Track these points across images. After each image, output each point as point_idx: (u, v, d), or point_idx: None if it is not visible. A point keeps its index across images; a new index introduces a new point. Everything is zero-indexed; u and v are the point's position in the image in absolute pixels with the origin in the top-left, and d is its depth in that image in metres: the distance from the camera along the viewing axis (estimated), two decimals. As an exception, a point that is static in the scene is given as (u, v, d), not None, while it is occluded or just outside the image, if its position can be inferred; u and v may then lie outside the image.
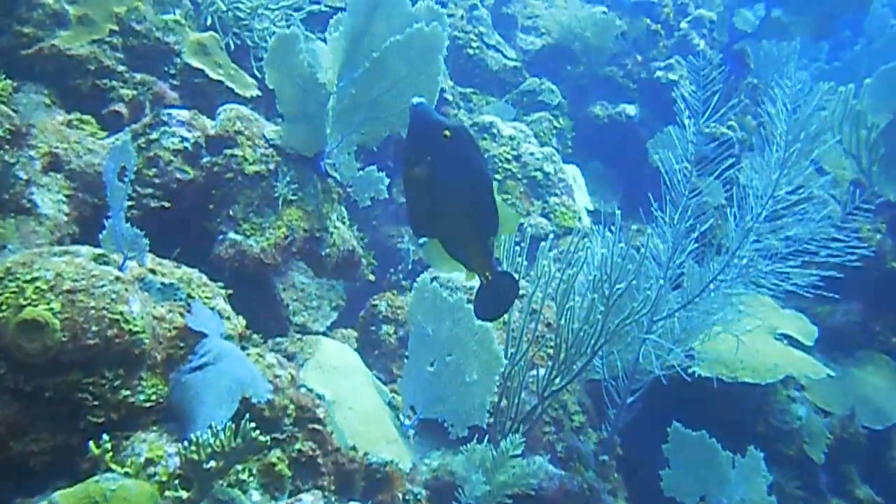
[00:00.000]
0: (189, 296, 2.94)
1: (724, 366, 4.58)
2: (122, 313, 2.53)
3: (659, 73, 7.05)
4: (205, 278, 3.09)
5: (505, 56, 6.76)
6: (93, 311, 2.48)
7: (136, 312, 2.58)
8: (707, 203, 4.10)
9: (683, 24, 7.48)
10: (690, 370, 4.32)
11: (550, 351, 4.20)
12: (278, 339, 3.64)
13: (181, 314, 2.80)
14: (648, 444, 4.64)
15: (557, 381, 3.85)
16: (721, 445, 4.16)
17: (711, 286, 4.01)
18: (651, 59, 7.27)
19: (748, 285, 4.04)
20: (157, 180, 3.49)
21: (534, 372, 3.98)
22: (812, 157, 3.89)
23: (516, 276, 2.18)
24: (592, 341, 3.76)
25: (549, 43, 7.19)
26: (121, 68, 3.91)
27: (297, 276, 4.62)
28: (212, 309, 2.94)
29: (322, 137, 3.80)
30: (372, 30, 3.70)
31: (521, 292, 3.91)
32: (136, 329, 2.55)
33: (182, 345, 2.74)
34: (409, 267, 5.12)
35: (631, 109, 6.90)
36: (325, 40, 3.96)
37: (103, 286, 2.55)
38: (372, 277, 4.57)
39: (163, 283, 2.90)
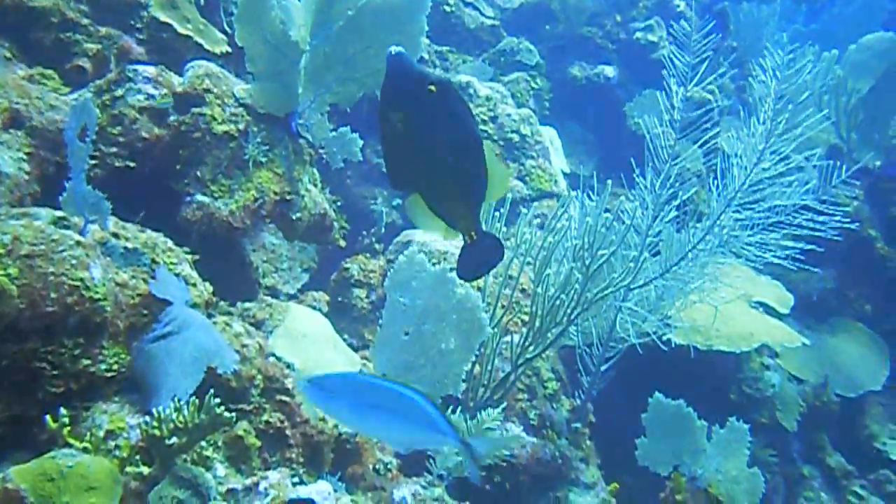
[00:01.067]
0: (153, 261, 2.84)
1: (698, 334, 4.53)
2: (82, 279, 2.44)
3: (638, 35, 6.93)
4: (170, 243, 2.99)
5: (482, 14, 6.62)
6: (52, 277, 2.39)
7: (98, 279, 2.49)
8: (688, 170, 4.02)
9: (663, -17, 7.38)
10: (665, 338, 4.26)
11: (525, 318, 4.14)
12: (246, 305, 3.53)
13: (145, 281, 2.71)
14: (622, 412, 4.61)
15: (532, 348, 3.78)
16: (695, 414, 4.11)
17: (690, 255, 3.93)
18: (630, 19, 7.14)
19: (728, 254, 3.97)
20: (121, 139, 3.37)
21: (508, 339, 3.91)
22: (799, 129, 3.80)
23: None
24: (569, 310, 3.68)
25: (527, 1, 7.05)
26: (85, 21, 3.77)
27: (268, 237, 4.50)
28: (177, 275, 2.84)
29: (294, 97, 3.68)
30: (349, -11, 3.58)
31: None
32: (97, 296, 2.46)
33: (145, 312, 2.65)
34: (382, 230, 5.02)
35: (609, 71, 6.79)
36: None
37: (63, 251, 2.45)
38: (343, 243, 4.47)
39: (126, 248, 2.79)
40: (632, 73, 6.93)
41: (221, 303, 3.25)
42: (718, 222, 3.88)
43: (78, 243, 2.50)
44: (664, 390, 4.22)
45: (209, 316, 2.88)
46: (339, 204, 4.52)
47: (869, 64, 6.01)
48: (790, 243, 3.87)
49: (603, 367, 4.27)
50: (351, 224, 4.81)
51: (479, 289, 4.21)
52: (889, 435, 5.51)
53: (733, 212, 3.88)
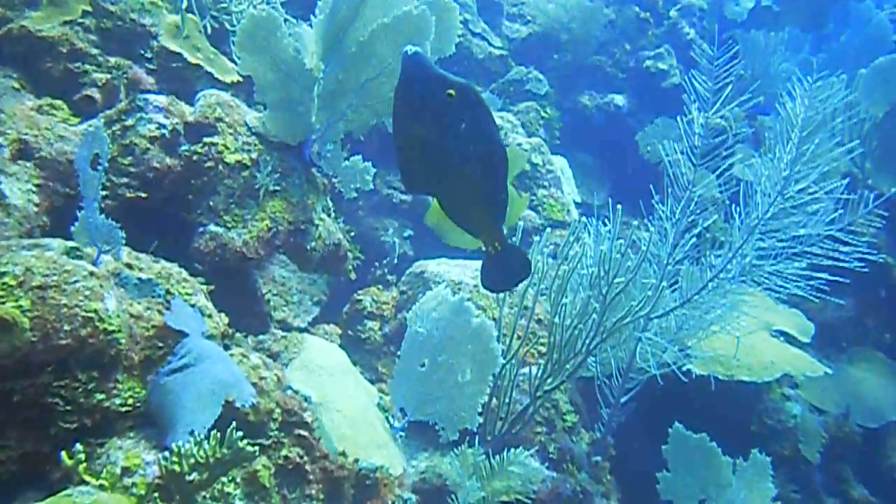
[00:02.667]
0: (168, 292, 2.76)
1: (719, 364, 4.44)
2: (96, 311, 2.35)
3: (648, 63, 6.89)
4: (185, 273, 2.91)
5: (490, 44, 6.58)
6: (65, 309, 2.31)
7: (112, 310, 2.41)
8: (705, 198, 3.94)
9: (673, 13, 7.34)
10: (685, 368, 4.17)
11: (542, 349, 4.06)
12: (261, 337, 3.46)
13: (160, 312, 2.62)
14: (642, 444, 4.52)
15: (550, 380, 3.69)
16: (716, 445, 4.02)
17: (711, 284, 3.85)
18: (640, 48, 7.12)
19: (750, 284, 3.89)
20: (132, 169, 3.30)
21: (525, 370, 3.83)
22: (823, 158, 3.73)
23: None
24: (588, 340, 3.60)
25: (535, 31, 7.01)
26: (94, 51, 3.71)
27: (277, 269, 4.42)
28: (192, 306, 2.76)
29: (307, 125, 3.61)
30: (364, 15, 3.51)
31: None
32: (111, 328, 2.38)
33: (161, 345, 2.57)
34: (395, 261, 4.94)
35: (619, 99, 6.75)
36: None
37: (76, 282, 2.37)
38: (353, 276, 4.39)
39: (140, 279, 2.72)
40: (642, 102, 6.89)
41: (237, 334, 3.16)
42: (741, 251, 3.80)
43: (91, 274, 2.43)
44: (684, 421, 4.14)
45: (225, 348, 2.80)
46: (352, 234, 4.45)
47: (883, 88, 5.94)
48: (813, 273, 3.79)
49: (623, 399, 4.18)
50: (362, 255, 4.74)
51: (494, 319, 4.15)
52: (912, 466, 5.41)
53: (756, 240, 3.80)
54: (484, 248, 1.85)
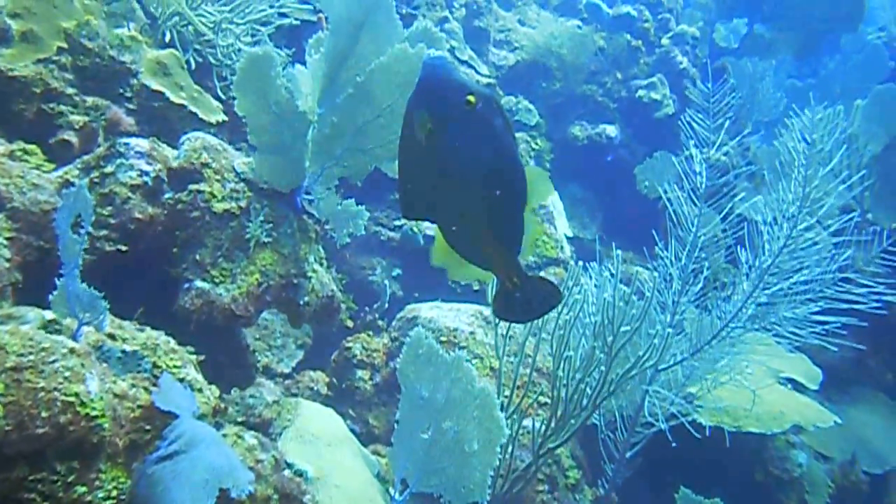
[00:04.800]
0: (155, 365, 2.52)
1: (727, 415, 4.25)
2: (77, 395, 2.12)
3: (641, 93, 6.73)
4: (172, 343, 2.66)
5: (478, 72, 6.38)
6: (42, 394, 2.07)
7: (94, 393, 2.17)
8: (711, 239, 3.76)
9: (665, 41, 7.17)
10: (691, 418, 3.98)
11: (542, 399, 3.87)
12: (251, 402, 3.21)
13: (146, 390, 2.38)
14: (645, 498, 4.34)
15: (553, 437, 3.49)
16: (723, 497, 3.83)
17: (723, 333, 3.68)
18: (632, 76, 6.96)
19: (762, 330, 3.72)
20: (112, 220, 3.06)
21: (526, 423, 3.63)
22: (831, 195, 3.56)
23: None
24: (594, 394, 3.40)
25: (523, 58, 6.82)
26: (70, 91, 3.46)
27: (260, 311, 4.21)
28: (181, 380, 2.52)
29: (300, 171, 3.38)
30: (357, 51, 3.29)
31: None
32: (93, 413, 2.14)
33: (148, 427, 2.33)
34: (386, 305, 4.71)
35: (611, 130, 6.57)
36: (294, 58, 3.57)
37: (55, 362, 2.13)
38: (350, 324, 4.17)
39: (124, 351, 2.48)
40: (635, 133, 6.73)
41: (230, 409, 2.92)
42: (752, 297, 3.63)
43: (72, 351, 2.19)
44: (687, 471, 3.98)
45: (217, 426, 2.57)
46: (344, 282, 4.22)
47: (882, 118, 5.78)
48: (824, 318, 3.63)
49: (628, 454, 3.99)
50: (356, 305, 4.52)
51: (492, 368, 3.96)
52: (917, 511, 5.25)
53: (765, 285, 3.63)
54: (498, 284, 1.63)
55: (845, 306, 3.58)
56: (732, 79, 7.09)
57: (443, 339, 4.01)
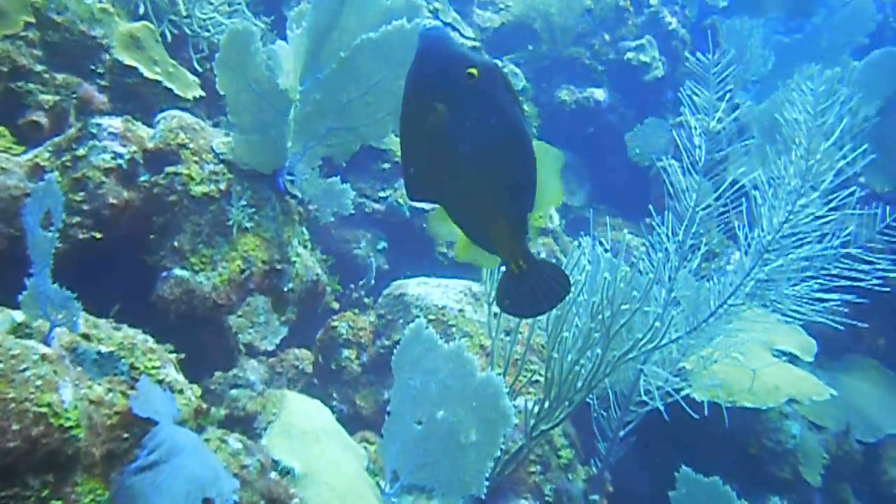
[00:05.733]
0: (132, 367, 2.38)
1: (721, 389, 4.16)
2: (50, 405, 2.00)
3: (629, 55, 6.57)
4: (150, 342, 2.52)
5: (462, 35, 6.21)
6: (13, 405, 1.94)
7: (69, 401, 2.05)
8: (712, 214, 3.65)
9: (653, 1, 7.00)
10: (685, 394, 3.89)
11: (530, 375, 3.77)
12: (234, 394, 3.09)
13: (124, 394, 2.26)
14: (639, 477, 4.27)
15: (546, 419, 3.40)
16: (716, 471, 3.76)
17: (721, 311, 3.57)
18: (620, 38, 6.78)
19: (760, 307, 3.62)
20: (85, 206, 2.91)
21: (517, 402, 3.53)
22: (836, 168, 3.44)
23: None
24: (588, 376, 3.30)
25: (508, 20, 6.64)
26: (39, 68, 3.29)
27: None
28: (160, 382, 2.39)
29: (282, 152, 3.23)
30: (341, 25, 3.14)
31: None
32: (68, 424, 2.02)
33: (126, 435, 2.20)
34: (372, 282, 4.58)
35: (599, 94, 6.42)
36: (273, 27, 3.42)
37: (25, 370, 2.01)
38: (336, 305, 4.04)
39: (100, 353, 2.34)
40: (623, 96, 6.59)
41: (213, 409, 2.78)
42: (751, 274, 3.52)
43: (43, 357, 2.07)
44: (680, 446, 3.90)
45: (200, 429, 2.45)
46: (329, 264, 4.08)
47: (877, 83, 5.68)
48: (826, 295, 3.53)
49: (622, 433, 3.90)
50: (340, 287, 4.40)
51: (481, 346, 3.87)
52: (910, 480, 5.20)
53: (764, 262, 3.53)
54: (504, 268, 1.55)
55: (846, 283, 3.47)
56: (722, 38, 7.00)
57: (431, 317, 3.90)
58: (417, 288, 4.09)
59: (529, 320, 3.46)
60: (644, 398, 3.74)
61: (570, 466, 3.86)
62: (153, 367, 2.43)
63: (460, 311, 3.98)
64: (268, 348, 4.07)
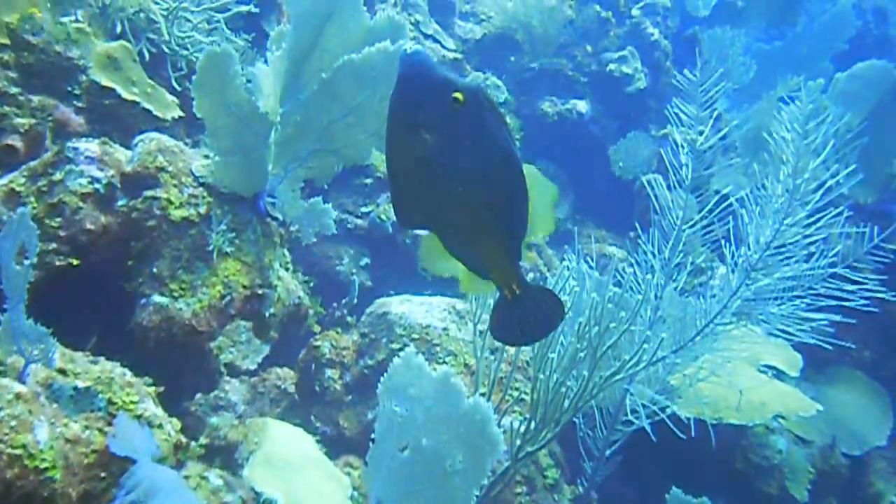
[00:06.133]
0: (110, 402, 2.33)
1: (707, 406, 4.13)
2: (24, 446, 1.95)
3: (612, 67, 6.54)
4: (128, 375, 2.46)
5: (444, 47, 6.15)
6: (-14, 447, 1.89)
7: (44, 441, 2.00)
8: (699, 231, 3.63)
9: (635, 11, 6.97)
10: (670, 411, 3.86)
11: (516, 393, 3.73)
12: (215, 423, 3.02)
13: (101, 431, 2.21)
14: (626, 496, 4.24)
15: (531, 440, 3.36)
16: (702, 487, 3.74)
17: (707, 329, 3.55)
18: (602, 49, 6.75)
19: (747, 325, 3.60)
20: (62, 232, 2.85)
21: (503, 422, 3.49)
22: (824, 185, 3.41)
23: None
24: (575, 397, 3.26)
25: (490, 31, 6.58)
26: (14, 90, 3.22)
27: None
28: (139, 417, 2.34)
29: (263, 175, 3.18)
30: (322, 45, 3.09)
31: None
32: (43, 465, 1.98)
33: (104, 475, 2.16)
34: (355, 301, 4.53)
35: (582, 106, 6.38)
36: (254, 44, 3.36)
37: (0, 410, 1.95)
38: (317, 328, 3.99)
39: (76, 389, 2.29)
40: (606, 108, 6.56)
41: (192, 443, 2.72)
42: (738, 293, 3.50)
43: (18, 396, 2.02)
44: (666, 462, 3.90)
45: (180, 465, 2.40)
46: (312, 285, 4.02)
47: (860, 95, 5.66)
48: (814, 315, 3.51)
49: (608, 452, 3.86)
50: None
51: (465, 364, 3.83)
52: (896, 492, 5.19)
53: (751, 280, 3.50)
54: (497, 293, 1.52)
55: (835, 303, 3.45)
56: (703, 47, 6.98)
57: (415, 336, 3.86)
58: (401, 306, 4.05)
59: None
60: (630, 417, 3.71)
61: (556, 486, 3.82)
62: (131, 402, 2.38)
63: (444, 329, 3.94)
64: (249, 367, 4.02)
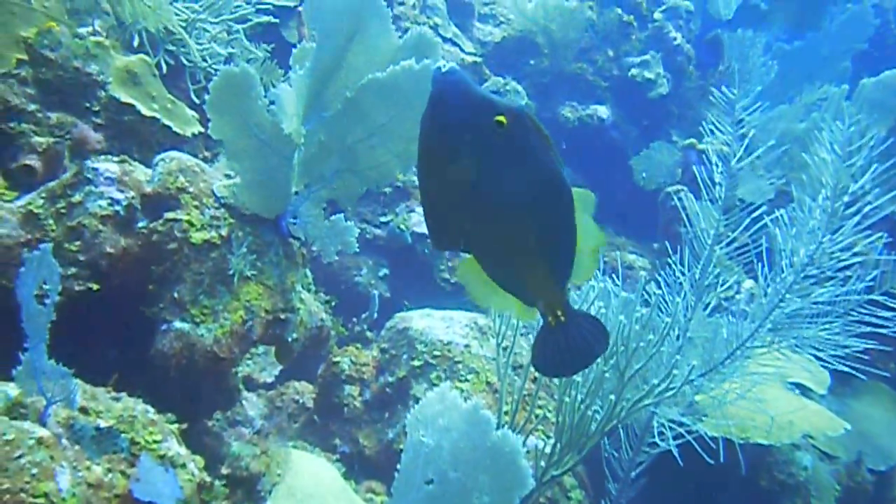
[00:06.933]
0: (133, 442, 2.26)
1: (733, 425, 4.05)
2: (46, 495, 1.89)
3: (633, 72, 6.45)
4: (151, 413, 2.39)
5: (462, 50, 6.07)
6: (8, 496, 1.83)
7: (66, 489, 1.94)
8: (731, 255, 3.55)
9: (658, 15, 6.87)
10: (696, 430, 3.79)
11: (541, 413, 3.66)
12: (236, 451, 2.94)
13: (123, 473, 2.14)
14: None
15: (556, 464, 3.29)
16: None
17: (739, 352, 3.48)
18: (624, 53, 6.66)
19: (778, 349, 3.53)
20: (81, 256, 2.77)
21: (527, 442, 3.42)
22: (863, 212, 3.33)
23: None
24: (602, 421, 3.20)
25: (509, 34, 6.49)
26: (32, 107, 3.14)
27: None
28: (162, 457, 2.27)
29: (286, 196, 3.10)
30: (347, 63, 3.00)
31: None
32: (66, 514, 1.91)
33: (127, 521, 2.09)
34: (375, 315, 4.46)
35: (603, 111, 6.30)
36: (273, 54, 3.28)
37: (20, 457, 1.90)
38: (337, 351, 3.92)
39: (98, 429, 2.22)
40: (627, 113, 6.48)
41: (216, 483, 2.64)
42: (769, 318, 3.42)
43: (39, 442, 1.95)
44: (690, 480, 3.80)
45: (204, 505, 2.33)
46: (333, 304, 3.95)
47: (888, 103, 5.57)
48: (849, 341, 3.44)
49: (633, 474, 3.79)
50: (345, 329, 4.28)
51: (488, 383, 3.77)
52: (920, 508, 5.11)
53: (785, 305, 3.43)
54: (542, 319, 1.43)
55: (869, 330, 3.38)
56: (726, 49, 6.89)
57: (437, 353, 3.79)
58: (421, 321, 3.98)
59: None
60: (656, 440, 3.64)
61: (580, 508, 3.77)
62: (154, 442, 2.31)
63: (466, 346, 3.87)
64: (267, 380, 3.95)
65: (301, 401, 3.95)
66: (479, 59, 6.11)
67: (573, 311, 1.43)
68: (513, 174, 1.26)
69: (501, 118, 1.22)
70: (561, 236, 1.35)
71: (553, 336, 1.44)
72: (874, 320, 3.38)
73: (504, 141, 1.24)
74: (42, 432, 1.99)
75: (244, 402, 3.66)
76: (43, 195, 2.85)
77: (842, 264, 3.32)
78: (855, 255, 3.31)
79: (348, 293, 4.65)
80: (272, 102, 2.87)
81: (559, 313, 1.41)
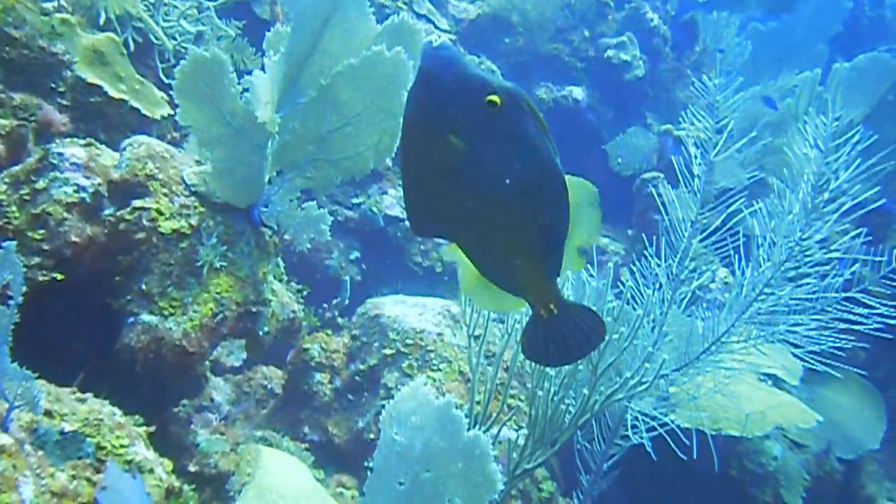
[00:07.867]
0: (99, 446, 2.18)
1: (705, 416, 4.03)
2: (8, 506, 1.80)
3: (610, 53, 6.38)
4: (118, 415, 2.30)
5: (437, 27, 5.97)
6: (-34, 509, 1.76)
7: (29, 499, 1.86)
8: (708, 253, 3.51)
9: (634, -5, 6.82)
10: (669, 421, 3.76)
11: (513, 403, 3.63)
12: (204, 448, 2.88)
13: (89, 481, 2.06)
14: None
15: (529, 457, 3.25)
16: (697, 495, 3.66)
17: (714, 347, 3.45)
18: (600, 34, 6.58)
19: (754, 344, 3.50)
20: (45, 245, 2.66)
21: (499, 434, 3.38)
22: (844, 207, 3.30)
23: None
24: (575, 414, 3.17)
25: (485, 12, 6.39)
26: (-6, 88, 3.04)
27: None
28: (129, 463, 2.19)
29: (259, 185, 3.00)
30: (323, 48, 2.90)
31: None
32: (28, 526, 1.83)
33: (92, 531, 2.02)
34: (346, 301, 4.38)
35: (578, 93, 6.23)
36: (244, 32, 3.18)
37: (-19, 467, 1.81)
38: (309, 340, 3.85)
39: (63, 433, 2.14)
40: (602, 95, 6.41)
41: (185, 487, 2.56)
42: (746, 313, 3.39)
43: (1, 450, 1.87)
44: (660, 469, 3.77)
45: (172, 513, 2.26)
46: (305, 293, 3.86)
47: (862, 88, 5.53)
48: (824, 336, 3.42)
49: (605, 466, 3.77)
50: (317, 320, 4.20)
51: (460, 372, 3.73)
52: (887, 496, 5.14)
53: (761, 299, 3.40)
54: (532, 312, 1.38)
55: (846, 326, 3.36)
56: (701, 30, 6.85)
57: (409, 341, 3.74)
58: (394, 308, 3.92)
59: (512, 344, 3.27)
60: (629, 433, 3.61)
61: (551, 500, 3.75)
62: (121, 446, 2.23)
63: (439, 334, 3.82)
64: (234, 364, 3.87)
65: (269, 386, 3.89)
66: (453, 37, 6.01)
67: (565, 303, 1.37)
68: (503, 159, 1.20)
69: (495, 98, 1.17)
70: (552, 227, 1.29)
71: (545, 328, 1.38)
72: (851, 317, 3.35)
73: (496, 122, 1.18)
74: (4, 440, 1.91)
75: (211, 387, 3.58)
76: (6, 181, 2.75)
77: (819, 258, 3.29)
78: (833, 250, 3.28)
79: (320, 277, 4.57)
80: (245, 89, 2.77)
81: (551, 306, 1.36)
